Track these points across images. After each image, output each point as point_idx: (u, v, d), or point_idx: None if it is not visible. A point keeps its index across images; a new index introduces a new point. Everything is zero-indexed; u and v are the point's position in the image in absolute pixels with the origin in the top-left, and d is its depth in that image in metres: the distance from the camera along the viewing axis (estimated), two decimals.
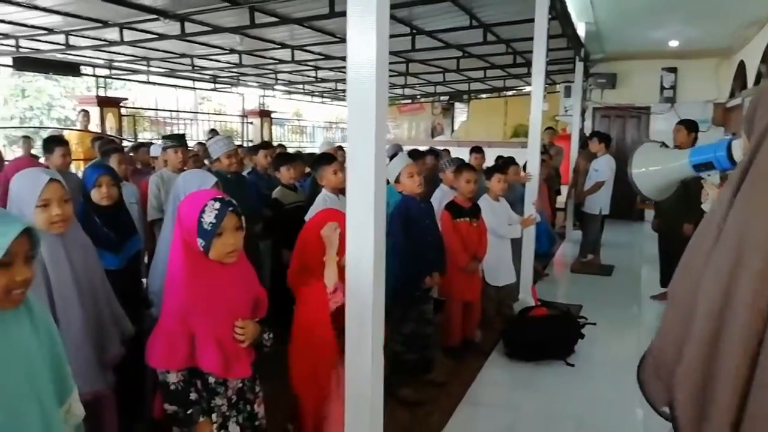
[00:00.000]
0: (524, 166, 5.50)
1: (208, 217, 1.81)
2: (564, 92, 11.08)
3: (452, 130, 17.10)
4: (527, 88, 12.46)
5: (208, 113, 14.99)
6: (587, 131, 9.17)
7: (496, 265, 4.49)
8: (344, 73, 10.81)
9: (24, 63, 8.95)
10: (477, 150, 6.34)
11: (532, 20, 5.01)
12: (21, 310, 1.35)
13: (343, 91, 14.27)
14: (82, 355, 1.99)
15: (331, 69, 10.59)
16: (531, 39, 5.05)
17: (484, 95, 15.34)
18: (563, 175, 8.41)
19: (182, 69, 10.59)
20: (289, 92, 14.78)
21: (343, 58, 9.15)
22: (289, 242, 3.96)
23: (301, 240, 2.37)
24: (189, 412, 1.82)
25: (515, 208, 4.86)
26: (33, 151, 6.78)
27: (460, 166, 4.34)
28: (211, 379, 1.85)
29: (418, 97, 15.78)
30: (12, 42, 7.83)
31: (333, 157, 3.97)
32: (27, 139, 6.17)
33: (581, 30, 7.75)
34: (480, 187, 4.42)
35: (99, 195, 2.65)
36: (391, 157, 3.91)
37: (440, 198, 4.63)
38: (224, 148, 4.07)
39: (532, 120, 5.00)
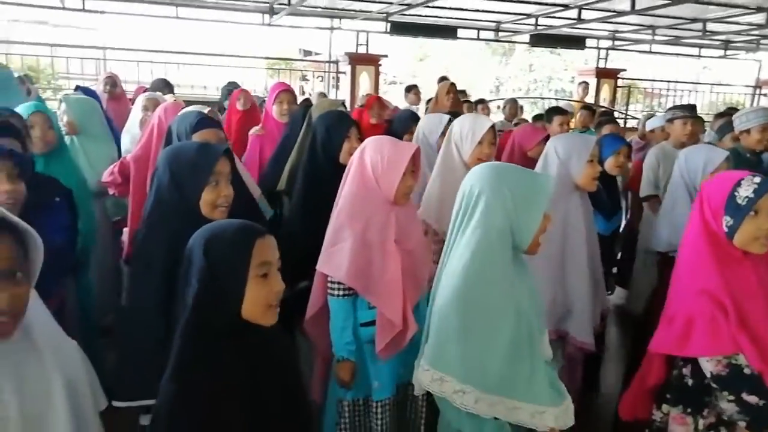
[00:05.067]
0: None
1: (745, 191, 1.58)
2: None
3: None
4: None
5: (711, 84, 13.41)
6: None
7: None
8: None
9: (538, 39, 9.97)
10: None
11: None
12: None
13: None
14: (582, 305, 2.26)
15: None
16: None
17: None
18: None
19: (689, 36, 9.74)
20: None
21: None
22: None
23: None
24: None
25: None
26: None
27: None
28: (746, 371, 1.60)
29: None
30: (532, 21, 8.80)
31: None
32: (514, 103, 7.07)
33: None
34: None
35: (614, 164, 2.81)
36: None
37: None
38: (762, 119, 3.46)
39: None
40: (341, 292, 1.96)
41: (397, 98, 7.87)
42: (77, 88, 4.46)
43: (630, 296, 3.65)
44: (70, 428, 1.09)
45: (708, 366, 1.63)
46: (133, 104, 4.03)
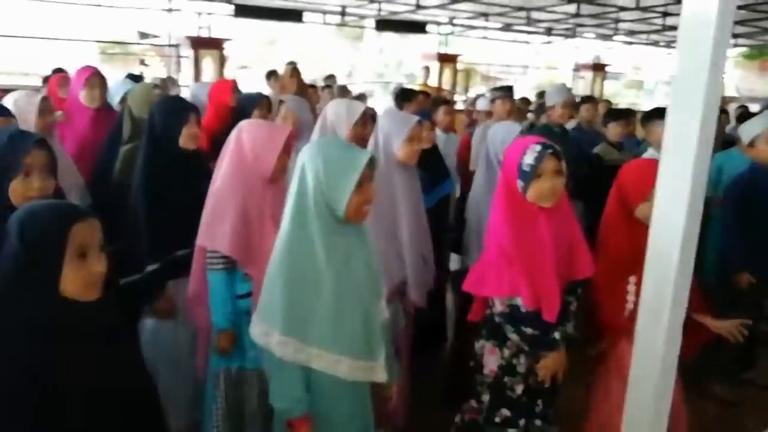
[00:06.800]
0: None
1: (528, 159, 1.86)
2: None
3: None
4: None
5: (539, 67, 14.88)
6: None
7: None
8: None
9: (383, 24, 10.35)
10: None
11: None
12: (359, 225, 1.65)
13: None
14: (414, 265, 2.42)
15: None
16: None
17: None
18: None
19: (517, 23, 10.71)
20: (630, 43, 13.53)
21: None
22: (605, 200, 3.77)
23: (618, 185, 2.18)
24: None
25: None
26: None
27: None
28: (523, 310, 1.91)
29: None
30: (375, 6, 9.11)
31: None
32: (344, 89, 7.26)
33: None
34: None
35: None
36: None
37: None
38: (561, 97, 4.02)
39: None
40: (221, 266, 2.04)
41: (248, 83, 7.71)
42: None
43: (464, 260, 4.04)
44: None
45: (497, 305, 1.97)
46: None
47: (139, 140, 2.64)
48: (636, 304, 1.90)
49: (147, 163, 2.43)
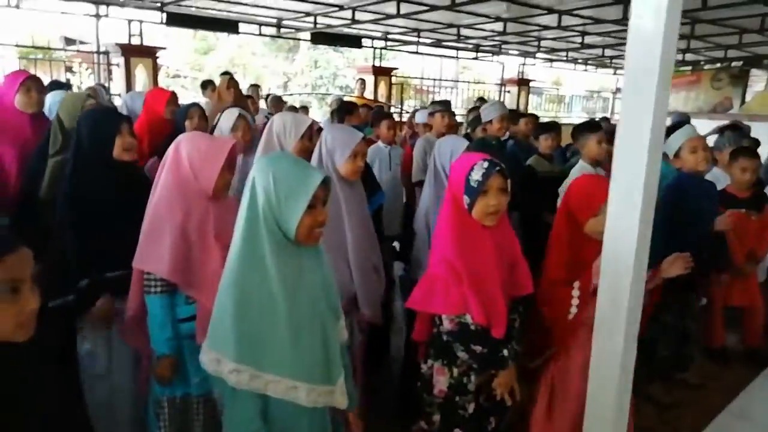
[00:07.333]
0: None
1: (476, 175, 1.87)
2: None
3: (742, 102, 14.39)
4: None
5: (468, 81, 15.36)
6: None
7: None
8: (613, 38, 10.10)
9: (319, 37, 10.35)
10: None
11: None
12: (314, 246, 1.58)
13: (611, 58, 13.18)
14: (368, 285, 2.38)
15: (599, 34, 9.88)
16: None
17: None
18: None
19: (448, 39, 11.03)
20: (551, 60, 14.25)
21: (615, 22, 8.46)
22: (539, 210, 3.88)
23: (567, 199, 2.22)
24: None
25: None
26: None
27: (736, 151, 3.71)
28: (472, 327, 1.91)
29: (702, 63, 13.69)
30: (311, 19, 9.11)
31: (599, 126, 3.74)
32: (278, 100, 7.34)
33: None
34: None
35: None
36: (673, 128, 3.51)
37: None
38: (498, 112, 4.19)
39: None
40: (159, 289, 1.95)
41: (182, 93, 7.49)
42: None
43: (411, 268, 4.08)
44: None
45: (445, 323, 1.95)
46: None
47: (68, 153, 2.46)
48: (579, 307, 2.03)
49: (73, 173, 2.27)
